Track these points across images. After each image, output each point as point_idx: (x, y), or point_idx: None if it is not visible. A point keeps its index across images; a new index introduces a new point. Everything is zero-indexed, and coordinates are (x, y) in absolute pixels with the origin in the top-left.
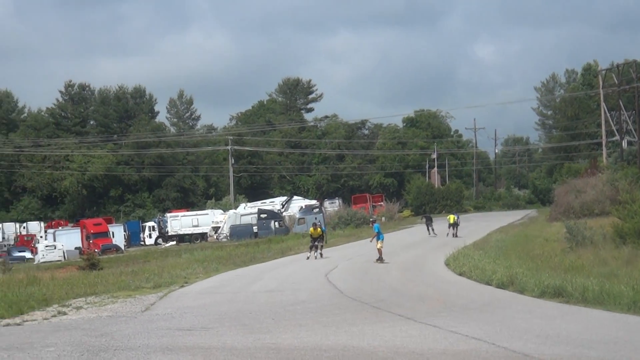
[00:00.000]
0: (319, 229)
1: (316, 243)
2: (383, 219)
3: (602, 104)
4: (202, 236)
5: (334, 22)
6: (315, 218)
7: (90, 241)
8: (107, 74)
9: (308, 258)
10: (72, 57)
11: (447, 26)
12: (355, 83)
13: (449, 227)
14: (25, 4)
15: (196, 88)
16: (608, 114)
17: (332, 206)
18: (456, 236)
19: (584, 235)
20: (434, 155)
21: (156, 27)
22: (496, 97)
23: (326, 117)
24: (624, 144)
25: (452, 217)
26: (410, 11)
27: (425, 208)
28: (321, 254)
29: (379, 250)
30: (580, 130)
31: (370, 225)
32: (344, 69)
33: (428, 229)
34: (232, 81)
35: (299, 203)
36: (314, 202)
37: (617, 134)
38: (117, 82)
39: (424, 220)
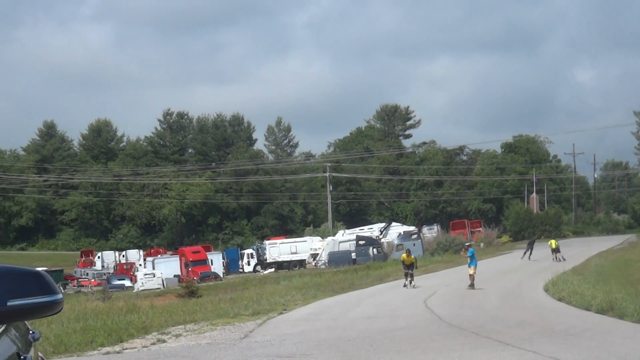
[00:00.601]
0: (412, 257)
1: (409, 270)
2: (482, 244)
3: None
4: (301, 263)
5: (433, 48)
6: (414, 244)
7: (189, 269)
8: (205, 102)
9: (405, 286)
10: (171, 86)
11: (546, 51)
12: (454, 109)
13: (553, 252)
14: (126, 34)
15: (294, 115)
16: None
17: (431, 232)
18: (564, 259)
19: None
20: (534, 180)
21: (255, 55)
22: (596, 122)
23: (424, 143)
24: None
25: (553, 242)
26: (509, 36)
27: (524, 233)
28: (412, 283)
29: (471, 277)
30: None
31: (463, 252)
32: (442, 95)
33: (525, 253)
34: (330, 108)
35: (397, 229)
36: (412, 228)
37: None
38: (215, 110)
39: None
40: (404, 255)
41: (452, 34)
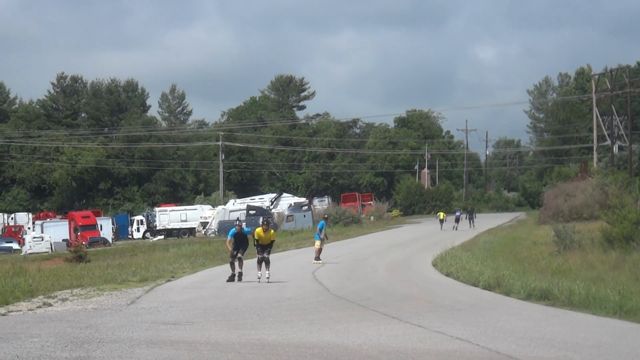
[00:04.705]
0: (271, 232)
1: (265, 255)
2: (372, 218)
3: (595, 109)
4: (190, 231)
5: (339, 20)
6: (304, 216)
7: (78, 233)
8: (105, 67)
9: (259, 279)
10: (73, 50)
11: (451, 27)
12: (354, 82)
13: (441, 222)
14: None
15: (190, 83)
16: (600, 119)
17: (321, 204)
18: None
19: (572, 238)
20: (427, 157)
21: (160, 21)
22: (495, 99)
23: (318, 115)
24: (615, 148)
25: (442, 214)
26: (416, 11)
27: (415, 208)
28: (267, 273)
29: (318, 250)
30: (571, 134)
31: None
32: (343, 68)
33: (470, 222)
34: (229, 77)
35: (288, 200)
36: (303, 199)
37: (608, 138)
38: (114, 75)
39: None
40: (259, 230)
41: (358, 7)
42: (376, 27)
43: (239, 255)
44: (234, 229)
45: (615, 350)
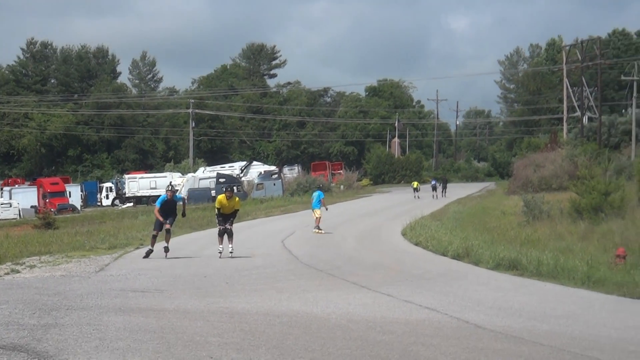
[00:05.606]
0: (235, 199)
1: (227, 226)
2: (342, 187)
3: (565, 80)
4: None
5: None
6: (274, 184)
7: (47, 200)
8: (77, 33)
9: (220, 254)
10: (44, 15)
11: None
12: (327, 51)
13: (415, 191)
14: None
15: (163, 51)
16: (570, 90)
17: (291, 172)
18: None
19: (541, 209)
20: (399, 127)
21: None
22: (466, 70)
23: (288, 83)
24: (585, 120)
25: (415, 183)
26: None
27: (385, 177)
28: (230, 247)
29: (318, 219)
30: (541, 105)
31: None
32: (316, 36)
33: (443, 191)
34: (202, 46)
35: (258, 168)
36: (273, 168)
37: (578, 109)
38: (85, 42)
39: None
40: (222, 197)
41: None
42: None
43: (167, 226)
44: (164, 196)
45: (583, 320)
